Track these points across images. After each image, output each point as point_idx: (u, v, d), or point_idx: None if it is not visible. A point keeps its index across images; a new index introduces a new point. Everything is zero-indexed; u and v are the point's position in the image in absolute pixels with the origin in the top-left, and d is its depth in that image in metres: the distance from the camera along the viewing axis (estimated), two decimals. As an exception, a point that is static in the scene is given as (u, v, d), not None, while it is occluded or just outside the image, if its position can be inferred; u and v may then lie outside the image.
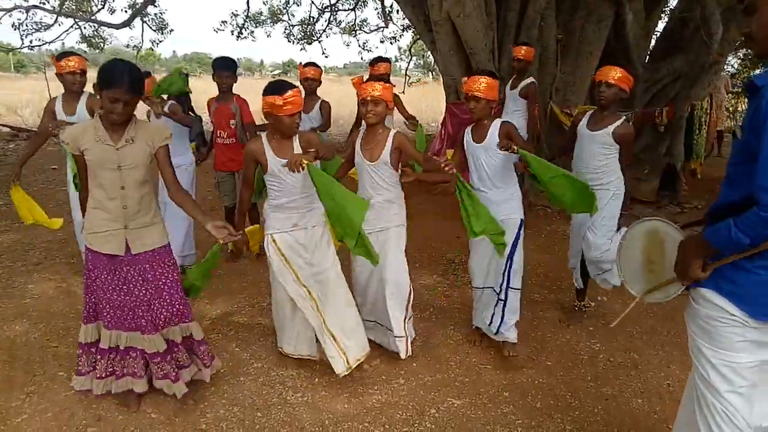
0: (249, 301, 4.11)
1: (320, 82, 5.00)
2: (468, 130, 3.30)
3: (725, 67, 9.10)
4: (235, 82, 4.54)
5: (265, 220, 3.04)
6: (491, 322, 3.29)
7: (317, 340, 3.08)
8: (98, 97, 2.43)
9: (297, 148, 2.87)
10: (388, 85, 3.06)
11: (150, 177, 2.60)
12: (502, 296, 3.22)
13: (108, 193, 2.46)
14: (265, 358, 3.29)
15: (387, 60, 5.18)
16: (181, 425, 2.66)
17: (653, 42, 8.25)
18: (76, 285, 4.32)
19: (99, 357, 2.67)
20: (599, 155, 3.40)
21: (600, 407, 2.89)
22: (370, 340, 3.23)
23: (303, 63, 5.07)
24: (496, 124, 3.16)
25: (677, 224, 1.93)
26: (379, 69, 4.95)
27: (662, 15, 8.91)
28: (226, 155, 4.55)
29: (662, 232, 1.94)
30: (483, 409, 2.85)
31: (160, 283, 2.61)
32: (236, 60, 4.65)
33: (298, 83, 3.17)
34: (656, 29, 8.46)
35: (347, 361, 2.97)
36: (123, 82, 2.32)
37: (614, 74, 3.30)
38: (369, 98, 2.97)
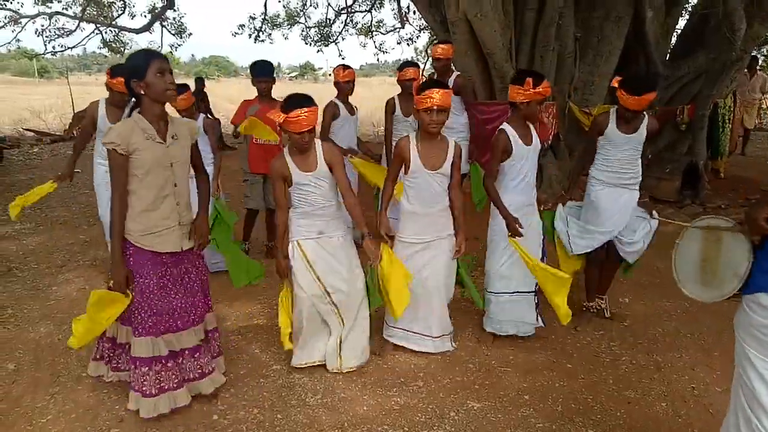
0: (268, 303, 4.13)
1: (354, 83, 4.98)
2: (511, 132, 3.16)
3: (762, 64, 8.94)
4: (273, 84, 4.59)
5: (290, 226, 3.02)
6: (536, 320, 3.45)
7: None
8: (136, 87, 2.37)
9: (321, 161, 2.89)
10: (449, 90, 2.93)
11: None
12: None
13: (161, 192, 2.47)
14: (284, 360, 3.30)
15: (416, 65, 5.06)
16: (202, 426, 2.68)
17: (674, 39, 8.13)
18: (99, 287, 4.38)
19: (158, 369, 2.58)
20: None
21: (622, 411, 2.85)
22: (395, 345, 3.39)
23: (337, 66, 5.04)
24: (531, 127, 3.26)
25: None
26: (406, 74, 4.78)
27: (683, 12, 8.77)
28: (262, 156, 4.51)
29: (720, 229, 1.83)
30: (503, 413, 2.83)
31: (202, 275, 2.73)
32: (272, 64, 4.69)
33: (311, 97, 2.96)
34: (677, 26, 8.33)
35: (341, 365, 3.11)
36: (160, 54, 2.42)
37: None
38: (436, 107, 2.84)
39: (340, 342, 3.08)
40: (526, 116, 3.18)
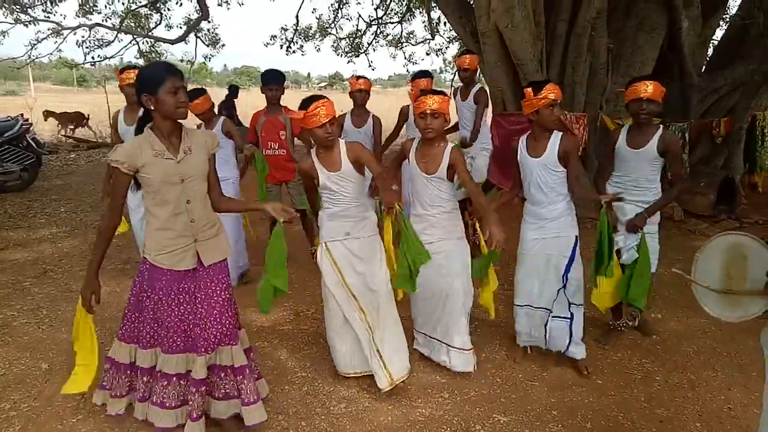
0: (294, 309, 4.15)
1: (369, 94, 5.02)
2: (522, 142, 3.17)
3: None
4: (283, 93, 4.63)
5: (320, 228, 3.04)
6: (549, 341, 3.26)
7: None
8: (146, 102, 2.28)
9: (345, 160, 2.87)
10: (446, 97, 2.95)
11: None
12: (567, 314, 3.17)
13: (174, 209, 2.37)
14: (309, 367, 3.30)
15: (429, 75, 5.05)
16: None
17: (710, 50, 7.96)
18: (129, 290, 4.46)
19: (130, 375, 2.59)
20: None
21: (654, 430, 2.76)
22: (422, 355, 3.37)
23: (354, 75, 5.13)
24: (556, 138, 3.04)
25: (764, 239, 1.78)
26: (419, 84, 4.77)
27: (720, 22, 8.58)
28: (274, 166, 4.60)
29: (746, 247, 1.78)
30: (530, 427, 2.77)
31: (219, 298, 2.52)
32: (283, 73, 4.75)
33: (325, 96, 2.96)
34: (714, 37, 8.16)
35: (390, 377, 2.96)
36: (176, 71, 2.30)
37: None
38: (428, 111, 2.87)
39: (378, 352, 2.96)
40: (540, 125, 3.05)
